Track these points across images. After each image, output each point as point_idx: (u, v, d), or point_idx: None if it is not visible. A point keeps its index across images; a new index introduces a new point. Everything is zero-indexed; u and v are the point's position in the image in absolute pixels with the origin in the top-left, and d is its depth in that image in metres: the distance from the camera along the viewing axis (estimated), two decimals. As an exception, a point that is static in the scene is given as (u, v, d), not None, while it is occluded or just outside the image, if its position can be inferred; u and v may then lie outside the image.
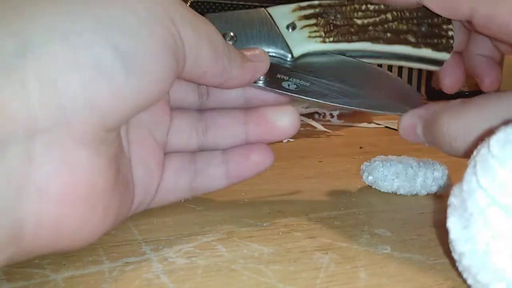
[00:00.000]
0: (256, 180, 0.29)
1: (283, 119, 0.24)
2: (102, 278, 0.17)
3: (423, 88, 0.99)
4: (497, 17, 0.21)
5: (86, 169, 0.16)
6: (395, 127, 0.54)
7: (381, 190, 0.28)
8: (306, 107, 0.57)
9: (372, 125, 0.56)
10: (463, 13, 0.22)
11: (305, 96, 0.24)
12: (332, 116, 0.57)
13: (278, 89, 0.24)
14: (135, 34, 0.16)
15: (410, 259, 0.20)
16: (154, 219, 0.23)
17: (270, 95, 0.24)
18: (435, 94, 0.92)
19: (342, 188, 0.30)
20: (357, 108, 0.25)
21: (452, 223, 0.16)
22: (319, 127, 0.52)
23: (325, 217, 0.24)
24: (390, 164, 0.28)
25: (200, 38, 0.19)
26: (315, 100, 0.24)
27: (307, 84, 0.24)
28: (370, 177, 0.28)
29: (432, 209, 0.26)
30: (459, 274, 0.16)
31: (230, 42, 0.23)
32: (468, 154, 0.21)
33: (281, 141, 0.45)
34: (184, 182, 0.23)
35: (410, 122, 0.25)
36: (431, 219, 0.25)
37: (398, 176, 0.28)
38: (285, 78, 0.24)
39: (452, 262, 0.17)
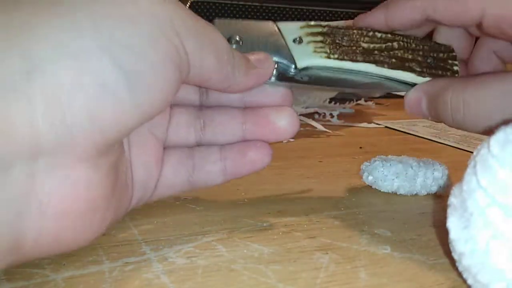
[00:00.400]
0: (256, 180, 0.29)
1: (282, 120, 0.24)
2: (102, 278, 0.17)
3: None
4: (509, 16, 0.21)
5: (86, 183, 0.16)
6: (395, 127, 0.54)
7: (381, 190, 0.28)
8: (306, 107, 0.57)
9: (372, 125, 0.56)
10: (472, 15, 0.22)
11: (319, 85, 0.24)
12: (332, 116, 0.57)
13: (292, 81, 0.24)
14: (140, 52, 0.16)
15: (410, 259, 0.20)
16: (154, 219, 0.23)
17: (269, 100, 0.24)
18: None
19: (342, 188, 0.30)
20: (369, 91, 0.26)
21: (452, 223, 0.16)
22: (319, 127, 0.52)
23: (325, 217, 0.24)
24: (390, 164, 0.28)
25: (205, 47, 0.19)
26: (329, 87, 0.24)
27: (320, 73, 0.24)
28: (370, 177, 0.28)
29: (432, 209, 0.26)
30: (459, 274, 0.17)
31: (235, 46, 0.23)
32: (468, 125, 0.22)
33: (281, 141, 0.45)
34: (182, 177, 0.23)
35: (415, 96, 0.25)
36: (431, 219, 0.25)
37: (398, 176, 0.28)
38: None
39: (452, 262, 0.17)
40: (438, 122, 0.24)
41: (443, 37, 0.26)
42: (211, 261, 0.19)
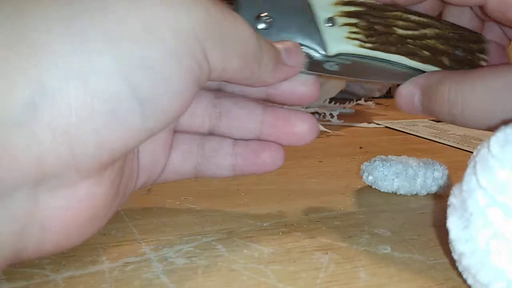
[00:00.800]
0: (256, 180, 0.29)
1: (303, 125, 0.22)
2: (102, 278, 0.17)
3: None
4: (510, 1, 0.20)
5: (90, 198, 0.16)
6: (395, 127, 0.54)
7: (381, 190, 0.28)
8: (306, 107, 0.57)
9: (372, 125, 0.56)
10: None
11: (349, 76, 0.23)
12: (332, 116, 0.57)
13: (321, 71, 0.23)
14: (159, 73, 0.15)
15: (410, 259, 0.20)
16: (154, 219, 0.23)
17: (293, 95, 0.22)
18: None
19: (342, 188, 0.30)
20: (394, 81, 0.25)
21: (452, 223, 0.16)
22: (319, 127, 0.52)
23: (325, 217, 0.24)
24: (390, 164, 0.28)
25: (230, 52, 0.18)
26: (360, 79, 0.23)
27: (349, 63, 0.23)
28: (370, 177, 0.28)
29: (432, 209, 0.26)
30: (459, 274, 0.16)
31: (263, 25, 0.22)
32: (466, 120, 0.21)
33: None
34: (189, 165, 0.23)
35: (408, 90, 0.24)
36: (431, 219, 0.25)
37: (398, 176, 0.28)
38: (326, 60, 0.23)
39: (452, 262, 0.17)
40: (431, 116, 0.24)
41: (450, 19, 0.25)
42: (211, 261, 0.19)
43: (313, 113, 0.58)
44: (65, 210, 0.15)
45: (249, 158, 0.23)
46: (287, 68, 0.21)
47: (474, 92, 0.21)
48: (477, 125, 0.21)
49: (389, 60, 0.24)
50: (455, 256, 0.16)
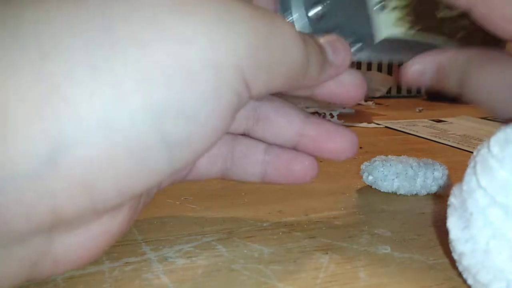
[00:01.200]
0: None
1: (342, 143, 0.21)
2: (102, 278, 0.17)
3: (423, 88, 1.00)
4: (495, 18, 0.20)
5: (106, 233, 0.15)
6: (395, 127, 0.54)
7: (381, 190, 0.28)
8: (306, 107, 0.57)
9: (372, 125, 0.56)
10: (461, 4, 0.20)
11: (390, 57, 0.23)
12: (332, 116, 0.57)
13: (367, 57, 0.23)
14: (194, 118, 0.13)
15: (410, 259, 0.20)
16: (154, 219, 0.23)
17: (340, 95, 0.20)
18: (435, 94, 0.92)
19: (342, 188, 0.30)
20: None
21: (452, 223, 0.16)
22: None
23: (325, 217, 0.24)
24: (390, 164, 0.28)
25: (275, 76, 0.16)
26: (395, 57, 0.23)
27: (392, 44, 0.23)
28: (370, 177, 0.28)
29: (432, 209, 0.26)
30: (459, 274, 0.16)
31: (319, 9, 0.21)
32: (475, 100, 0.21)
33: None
34: (216, 169, 0.21)
35: (419, 66, 0.22)
36: (431, 219, 0.25)
37: (398, 176, 0.28)
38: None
39: (452, 262, 0.17)
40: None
41: None
42: (211, 261, 0.19)
43: (313, 113, 0.58)
44: (79, 247, 0.15)
45: (281, 169, 0.21)
46: (335, 68, 0.19)
47: (488, 79, 0.20)
48: (487, 108, 0.21)
49: (432, 43, 0.24)
50: (455, 256, 0.16)
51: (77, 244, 0.14)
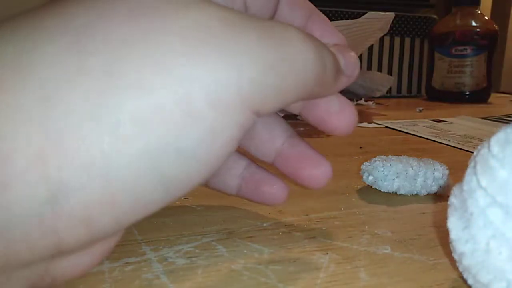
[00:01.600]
0: (256, 180, 0.29)
1: (313, 171, 0.20)
2: (102, 278, 0.17)
3: (423, 88, 1.00)
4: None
5: (104, 252, 0.15)
6: (396, 127, 0.54)
7: (381, 190, 0.28)
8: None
9: (372, 125, 0.56)
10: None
11: None
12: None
13: None
14: (192, 156, 0.13)
15: (411, 259, 0.20)
16: (154, 219, 0.23)
17: (326, 123, 0.20)
18: (435, 94, 0.92)
19: (342, 188, 0.30)
20: None
21: (453, 223, 0.16)
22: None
23: (325, 217, 0.24)
24: (391, 164, 0.28)
25: (286, 94, 0.15)
26: None
27: None
28: (371, 177, 0.28)
29: (433, 209, 0.26)
30: (460, 274, 0.16)
31: None
32: None
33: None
34: None
35: None
36: (431, 219, 0.25)
37: (398, 176, 0.28)
38: None
39: (453, 262, 0.17)
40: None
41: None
42: (211, 261, 0.19)
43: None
44: (78, 266, 0.15)
45: (251, 187, 0.22)
46: (346, 78, 0.18)
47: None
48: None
49: None
50: (456, 256, 0.16)
51: (74, 265, 0.15)
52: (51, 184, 0.12)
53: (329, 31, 0.21)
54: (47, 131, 0.12)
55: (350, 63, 0.18)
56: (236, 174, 0.22)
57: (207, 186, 0.23)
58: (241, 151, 0.22)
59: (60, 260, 0.14)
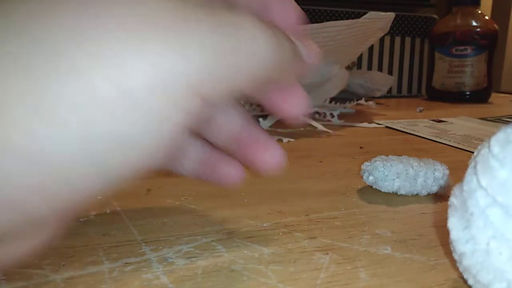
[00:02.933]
0: (256, 180, 0.29)
1: (262, 155, 0.20)
2: (101, 278, 0.17)
3: (423, 88, 1.00)
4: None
5: (46, 240, 0.15)
6: (396, 127, 0.54)
7: (382, 190, 0.28)
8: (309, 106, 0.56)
9: (373, 125, 0.56)
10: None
11: None
12: (333, 116, 0.57)
13: None
14: (132, 147, 0.13)
15: (411, 260, 0.20)
16: (154, 219, 0.23)
17: (282, 104, 0.19)
18: (435, 94, 0.92)
19: (342, 188, 0.30)
20: None
21: (453, 224, 0.16)
22: (319, 127, 0.52)
23: (325, 217, 0.24)
24: (391, 164, 0.28)
25: (240, 80, 0.15)
26: None
27: None
28: (371, 177, 0.28)
29: (433, 209, 0.26)
30: (460, 275, 0.16)
31: None
32: None
33: (281, 141, 0.45)
34: None
35: None
36: (431, 219, 0.25)
37: (398, 176, 0.28)
38: None
39: (453, 262, 0.17)
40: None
41: None
42: (211, 262, 0.19)
43: (313, 113, 0.58)
44: (16, 255, 0.14)
45: (207, 168, 0.22)
46: (305, 66, 0.18)
47: None
48: None
49: None
50: (456, 257, 0.16)
51: (12, 253, 0.14)
52: None
53: (287, 11, 0.20)
54: None
55: (309, 51, 0.18)
56: (193, 157, 0.22)
57: (166, 170, 0.22)
58: (196, 133, 0.22)
59: None
